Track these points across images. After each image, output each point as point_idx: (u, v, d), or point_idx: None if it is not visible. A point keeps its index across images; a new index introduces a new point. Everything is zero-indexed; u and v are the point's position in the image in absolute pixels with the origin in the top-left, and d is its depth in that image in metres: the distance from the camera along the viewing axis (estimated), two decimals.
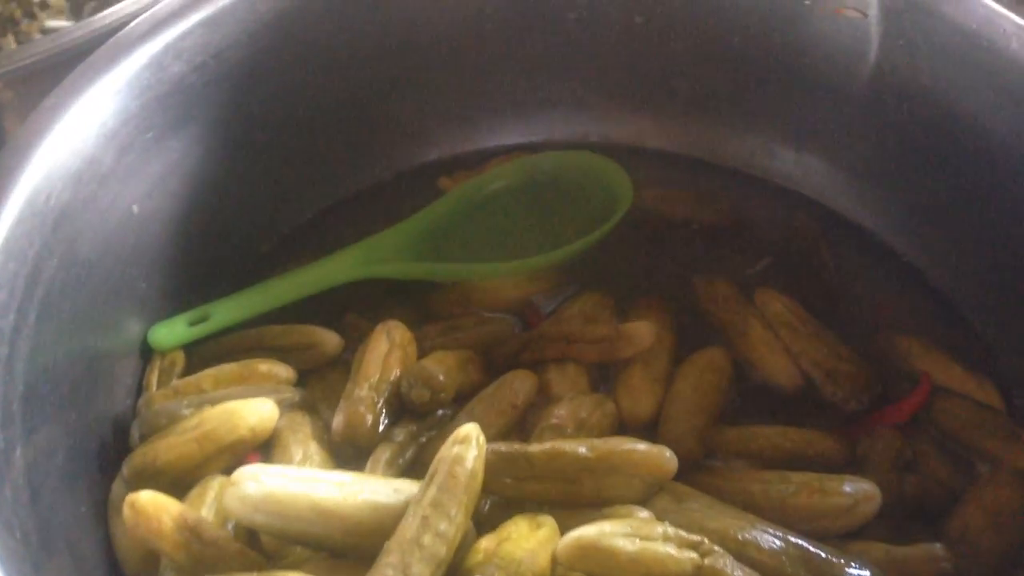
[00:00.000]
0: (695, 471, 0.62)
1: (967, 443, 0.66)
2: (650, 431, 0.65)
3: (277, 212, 0.80)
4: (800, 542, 0.55)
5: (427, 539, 0.50)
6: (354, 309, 0.72)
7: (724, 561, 0.52)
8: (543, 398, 0.67)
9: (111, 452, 0.63)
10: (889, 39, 0.71)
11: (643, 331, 0.68)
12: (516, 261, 0.75)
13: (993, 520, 0.61)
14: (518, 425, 0.65)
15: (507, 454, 0.56)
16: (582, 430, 0.62)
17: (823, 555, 0.55)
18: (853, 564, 0.55)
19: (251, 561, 0.55)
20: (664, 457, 0.56)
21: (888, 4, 0.70)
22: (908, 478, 0.63)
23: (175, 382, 0.67)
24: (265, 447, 0.63)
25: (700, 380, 0.67)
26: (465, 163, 0.83)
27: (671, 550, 0.51)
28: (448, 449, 0.53)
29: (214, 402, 0.63)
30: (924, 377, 0.68)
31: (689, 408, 0.66)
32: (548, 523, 0.54)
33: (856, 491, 0.59)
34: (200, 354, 0.70)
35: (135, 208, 0.66)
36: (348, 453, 0.63)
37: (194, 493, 0.60)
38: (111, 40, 0.66)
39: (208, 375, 0.67)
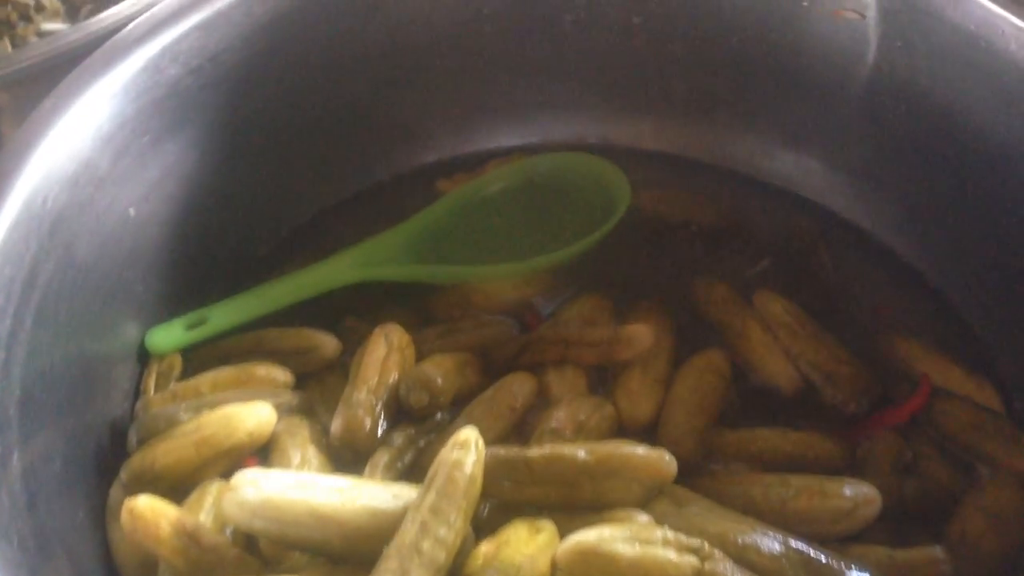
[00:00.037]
0: (695, 474, 0.61)
1: (967, 445, 0.65)
2: (649, 434, 0.65)
3: (275, 215, 0.79)
4: (800, 546, 0.55)
5: (426, 545, 0.50)
6: (352, 312, 0.72)
7: (724, 565, 0.52)
8: (542, 401, 0.67)
9: (109, 457, 0.63)
10: (887, 40, 0.71)
11: (642, 333, 0.68)
12: (514, 263, 0.75)
13: (993, 523, 0.61)
14: (517, 428, 0.65)
15: (506, 458, 0.56)
16: (581, 433, 0.62)
17: (823, 559, 0.55)
18: (853, 567, 0.55)
19: (249, 566, 0.55)
20: (664, 460, 0.56)
21: (886, 5, 0.70)
22: (908, 481, 0.63)
23: (173, 386, 0.67)
24: (263, 451, 0.63)
25: (699, 382, 0.67)
26: (463, 165, 0.83)
27: (671, 554, 0.51)
28: (447, 454, 0.53)
29: (212, 406, 0.63)
30: (924, 379, 0.68)
31: (688, 410, 0.65)
32: (547, 528, 0.54)
33: (856, 494, 0.59)
34: (198, 358, 0.69)
35: (132, 211, 0.66)
36: (346, 457, 0.63)
37: (192, 498, 0.60)
38: (107, 43, 0.66)
39: (206, 379, 0.67)
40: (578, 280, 0.75)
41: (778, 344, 0.70)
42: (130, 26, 0.67)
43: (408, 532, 0.51)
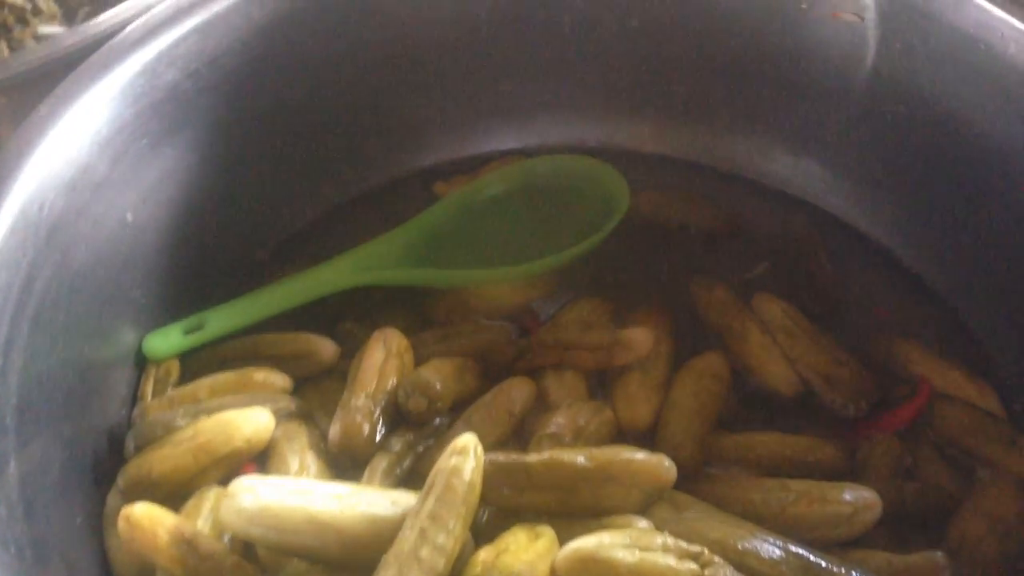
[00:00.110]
0: (694, 479, 0.61)
1: (967, 449, 0.65)
2: (648, 438, 0.65)
3: (272, 219, 0.79)
4: (800, 551, 0.55)
5: (425, 552, 0.50)
6: (350, 316, 0.72)
7: (724, 572, 0.52)
8: (541, 405, 0.66)
9: (106, 463, 0.63)
10: (886, 43, 0.71)
11: (641, 337, 0.67)
12: (513, 267, 0.74)
13: (993, 527, 0.61)
14: (516, 432, 0.65)
15: (505, 464, 0.56)
16: (580, 438, 0.62)
17: (824, 564, 0.55)
18: (854, 572, 0.55)
19: (247, 574, 0.55)
20: (663, 466, 0.56)
21: (885, 8, 0.70)
22: (908, 485, 0.63)
23: (171, 392, 0.67)
24: (261, 457, 0.63)
25: (698, 386, 0.67)
26: (461, 168, 0.83)
27: (671, 561, 0.51)
28: (446, 460, 0.53)
29: (210, 412, 0.63)
30: (923, 383, 0.68)
31: (688, 415, 0.65)
32: (547, 534, 0.54)
33: (856, 499, 0.59)
34: (195, 363, 0.69)
35: (129, 216, 0.66)
36: (345, 463, 0.63)
37: (190, 505, 0.60)
38: (104, 47, 0.65)
39: (204, 384, 0.67)
40: (577, 283, 0.75)
41: (777, 347, 0.70)
42: (127, 29, 0.66)
43: (407, 539, 0.50)
